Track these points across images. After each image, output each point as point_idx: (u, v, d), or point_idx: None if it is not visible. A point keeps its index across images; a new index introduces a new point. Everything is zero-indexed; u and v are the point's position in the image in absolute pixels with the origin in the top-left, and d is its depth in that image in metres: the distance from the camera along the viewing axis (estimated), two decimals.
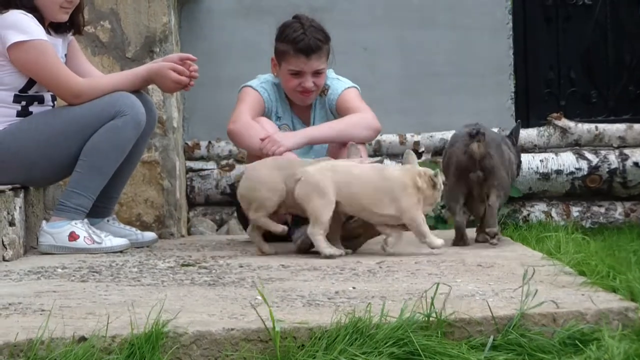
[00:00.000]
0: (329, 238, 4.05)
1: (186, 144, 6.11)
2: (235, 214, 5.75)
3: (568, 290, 3.07)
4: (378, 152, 6.15)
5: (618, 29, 6.48)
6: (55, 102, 4.45)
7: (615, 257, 3.61)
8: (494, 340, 2.65)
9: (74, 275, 3.61)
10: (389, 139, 6.16)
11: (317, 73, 4.60)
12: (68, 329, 2.58)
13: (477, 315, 2.71)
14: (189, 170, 6.08)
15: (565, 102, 6.47)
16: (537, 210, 6.12)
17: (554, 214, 6.12)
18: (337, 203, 4.00)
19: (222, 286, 3.31)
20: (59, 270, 3.75)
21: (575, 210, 6.17)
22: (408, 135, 6.20)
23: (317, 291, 3.16)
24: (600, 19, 6.47)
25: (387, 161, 6.10)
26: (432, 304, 2.69)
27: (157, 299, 2.99)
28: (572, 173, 6.15)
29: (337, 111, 4.64)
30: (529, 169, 6.09)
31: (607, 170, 6.17)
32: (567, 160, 6.16)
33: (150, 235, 4.67)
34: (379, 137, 5.96)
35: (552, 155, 6.18)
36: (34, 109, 4.36)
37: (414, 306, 2.71)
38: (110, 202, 4.55)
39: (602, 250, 3.88)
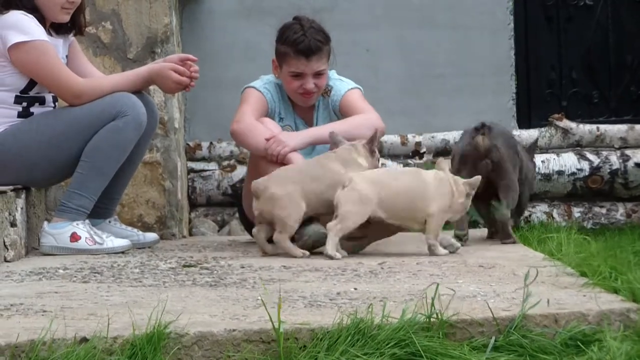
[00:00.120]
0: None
1: (188, 144, 6.11)
2: (236, 215, 5.75)
3: (570, 291, 3.07)
4: (380, 153, 6.14)
5: (619, 30, 6.48)
6: (56, 103, 4.45)
7: (616, 258, 3.61)
8: (495, 341, 2.65)
9: (75, 276, 3.61)
10: (391, 139, 6.15)
11: (318, 74, 4.60)
12: (70, 329, 2.58)
13: (478, 316, 2.71)
14: (191, 171, 6.08)
15: (566, 102, 6.46)
16: (538, 211, 6.12)
17: (555, 214, 6.12)
18: (374, 211, 4.01)
19: (223, 287, 3.31)
20: (61, 271, 3.75)
21: (576, 211, 6.17)
22: (409, 136, 6.20)
23: (318, 292, 3.16)
24: (601, 20, 6.47)
25: (388, 162, 6.10)
26: (432, 304, 2.69)
27: (159, 300, 2.99)
28: (573, 174, 6.15)
29: (341, 112, 4.64)
30: None
31: (608, 171, 6.16)
32: (568, 161, 6.16)
33: (151, 236, 4.67)
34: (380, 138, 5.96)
35: (553, 156, 6.18)
36: (35, 109, 4.36)
37: (416, 307, 2.71)
38: (112, 202, 4.55)
39: (603, 251, 3.88)
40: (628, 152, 6.22)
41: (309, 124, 4.69)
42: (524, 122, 6.33)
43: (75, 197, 4.29)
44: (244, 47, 6.16)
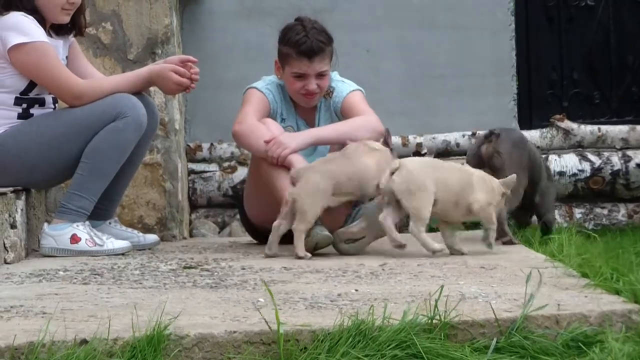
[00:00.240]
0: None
1: (188, 145, 6.11)
2: (237, 216, 5.74)
3: (571, 292, 3.07)
4: None
5: (621, 30, 6.48)
6: (56, 105, 4.45)
7: (618, 259, 3.61)
8: (497, 342, 2.65)
9: (75, 278, 3.61)
10: (392, 140, 6.14)
11: (320, 75, 4.59)
12: (69, 331, 2.58)
13: (480, 318, 2.71)
14: (191, 172, 6.08)
15: (568, 103, 6.46)
16: None
17: (556, 215, 6.11)
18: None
19: (224, 289, 3.31)
20: (61, 272, 3.75)
21: (578, 212, 6.17)
22: (411, 137, 6.20)
23: (319, 293, 3.16)
24: (603, 20, 6.47)
25: None
26: (435, 306, 2.69)
27: (159, 302, 2.99)
28: (575, 175, 6.14)
29: (342, 113, 4.63)
30: None
31: (610, 171, 6.16)
32: (569, 162, 6.15)
33: (152, 237, 4.66)
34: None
35: (554, 156, 6.17)
36: (35, 111, 4.36)
37: (417, 308, 2.71)
38: (112, 204, 4.54)
39: (605, 252, 3.88)
40: (629, 152, 6.21)
41: (311, 125, 4.69)
42: (525, 122, 6.33)
43: (75, 199, 4.29)
44: (244, 48, 6.15)
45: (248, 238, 5.06)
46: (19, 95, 4.33)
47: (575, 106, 6.45)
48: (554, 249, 4.02)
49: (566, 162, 6.14)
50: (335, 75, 4.72)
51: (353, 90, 4.67)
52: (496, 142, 4.54)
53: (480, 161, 4.49)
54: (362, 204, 4.30)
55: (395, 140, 6.16)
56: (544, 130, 6.26)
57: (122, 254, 4.30)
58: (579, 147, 6.25)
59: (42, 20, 4.35)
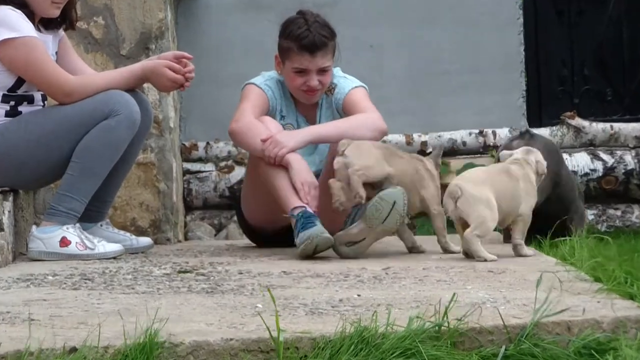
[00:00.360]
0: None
1: (183, 144, 6.11)
2: (234, 218, 5.74)
3: (583, 297, 3.06)
4: None
5: (634, 23, 6.47)
6: (45, 102, 4.44)
7: (632, 262, 3.60)
8: (505, 350, 2.65)
9: (65, 283, 3.60)
10: (396, 139, 6.14)
11: (322, 71, 4.58)
12: (58, 339, 2.57)
13: (488, 324, 2.70)
14: (186, 172, 6.08)
15: (578, 100, 6.46)
16: None
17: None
18: None
19: (220, 294, 3.30)
20: (50, 277, 3.74)
21: (590, 214, 6.16)
22: (415, 136, 6.19)
23: (320, 299, 3.15)
24: (614, 13, 6.46)
25: None
26: (445, 313, 2.68)
27: (153, 308, 2.98)
28: (586, 174, 6.14)
29: (344, 111, 4.62)
30: None
31: (623, 171, 6.16)
32: (581, 161, 6.15)
33: (145, 240, 4.66)
34: (384, 138, 5.94)
35: (565, 155, 6.16)
36: (24, 108, 4.35)
37: (423, 315, 2.69)
38: (104, 205, 4.54)
39: (618, 255, 3.87)
40: None
41: (312, 122, 4.68)
42: (535, 120, 6.32)
43: (65, 200, 4.28)
44: (242, 43, 6.15)
45: (246, 241, 5.05)
46: (6, 92, 4.32)
47: (586, 103, 6.44)
48: (565, 252, 4.01)
49: (577, 162, 6.13)
50: (337, 71, 4.71)
51: (356, 87, 4.66)
52: (529, 141, 4.63)
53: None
54: (361, 204, 4.28)
55: (399, 138, 6.16)
56: (554, 128, 6.26)
57: (114, 258, 4.29)
58: (591, 146, 6.24)
59: (30, 14, 4.34)
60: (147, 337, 2.53)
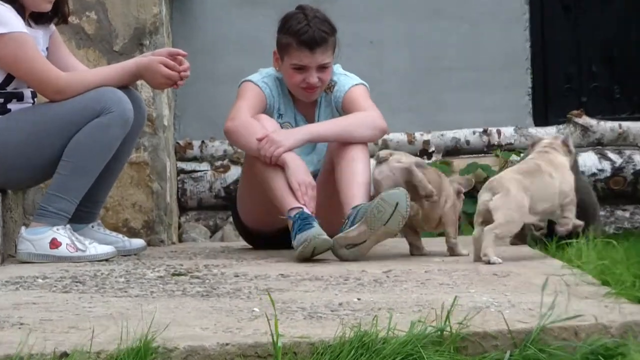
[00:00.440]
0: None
1: (177, 143, 6.10)
2: (230, 220, 5.74)
3: (591, 301, 3.06)
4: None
5: None
6: (35, 99, 4.44)
7: None
8: (510, 355, 2.65)
9: (55, 286, 3.60)
10: (397, 137, 6.14)
11: (322, 68, 4.58)
12: (49, 344, 2.57)
13: (492, 329, 2.70)
14: (181, 171, 6.07)
15: (586, 98, 6.45)
16: None
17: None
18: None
19: (216, 297, 3.31)
20: (40, 280, 3.74)
21: None
22: (417, 134, 6.19)
23: (319, 303, 3.15)
24: (623, 9, 6.46)
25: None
26: (447, 317, 2.68)
27: (146, 312, 2.98)
28: (594, 174, 6.13)
29: (343, 109, 4.62)
30: None
31: (632, 171, 6.15)
32: (588, 161, 6.14)
33: (138, 242, 4.66)
34: (385, 136, 5.94)
35: None
36: (13, 106, 4.35)
37: (425, 319, 2.69)
38: (95, 206, 4.53)
39: (627, 258, 3.87)
40: None
41: (310, 120, 4.68)
42: (541, 119, 6.32)
43: (55, 200, 4.27)
44: (239, 39, 6.15)
45: (242, 243, 5.05)
46: None
47: (594, 101, 6.44)
48: (571, 254, 4.02)
49: (585, 161, 6.12)
50: (337, 68, 4.71)
51: (356, 85, 4.66)
52: None
53: None
54: (362, 205, 4.27)
55: (401, 137, 6.16)
56: (560, 127, 6.25)
57: (106, 260, 4.29)
58: (599, 145, 6.24)
59: (20, 8, 4.34)
60: (140, 342, 2.53)
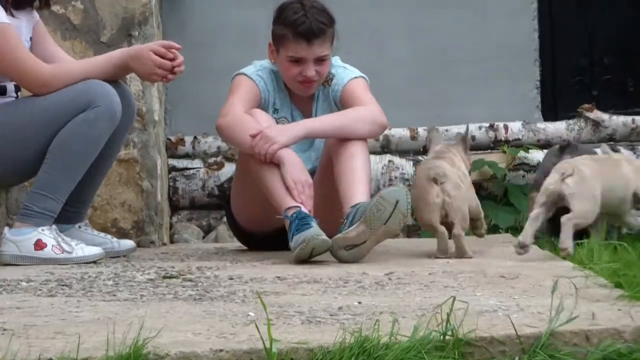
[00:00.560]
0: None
1: (169, 139, 6.11)
2: (224, 219, 5.74)
3: (603, 305, 3.06)
4: (386, 149, 6.14)
5: None
6: (19, 93, 4.44)
7: None
8: None
9: (40, 289, 3.60)
10: (399, 133, 6.14)
11: (320, 60, 4.58)
12: (33, 350, 2.57)
13: (499, 334, 2.70)
14: (172, 169, 6.08)
15: (597, 91, 6.45)
16: None
17: None
18: None
19: (209, 301, 3.31)
20: (24, 283, 3.74)
21: None
22: (420, 130, 6.19)
23: (317, 307, 3.15)
24: None
25: (396, 159, 6.09)
26: (447, 320, 2.68)
27: (136, 316, 2.98)
28: None
29: (342, 103, 4.62)
30: None
31: None
32: None
33: (127, 243, 4.66)
34: (387, 132, 5.95)
35: None
36: None
37: (428, 323, 2.69)
38: (82, 205, 4.54)
39: None
40: None
41: (307, 116, 4.67)
42: (550, 113, 6.32)
43: (40, 199, 4.27)
44: (233, 30, 6.15)
45: (236, 244, 5.05)
46: None
47: (606, 94, 6.44)
48: (583, 255, 4.02)
49: None
50: (336, 61, 4.71)
51: (355, 77, 4.66)
52: (573, 153, 4.81)
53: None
54: (361, 203, 4.27)
55: (403, 132, 6.16)
56: (570, 121, 6.26)
57: (94, 262, 4.30)
58: (611, 141, 6.24)
59: None
60: (130, 349, 2.53)
